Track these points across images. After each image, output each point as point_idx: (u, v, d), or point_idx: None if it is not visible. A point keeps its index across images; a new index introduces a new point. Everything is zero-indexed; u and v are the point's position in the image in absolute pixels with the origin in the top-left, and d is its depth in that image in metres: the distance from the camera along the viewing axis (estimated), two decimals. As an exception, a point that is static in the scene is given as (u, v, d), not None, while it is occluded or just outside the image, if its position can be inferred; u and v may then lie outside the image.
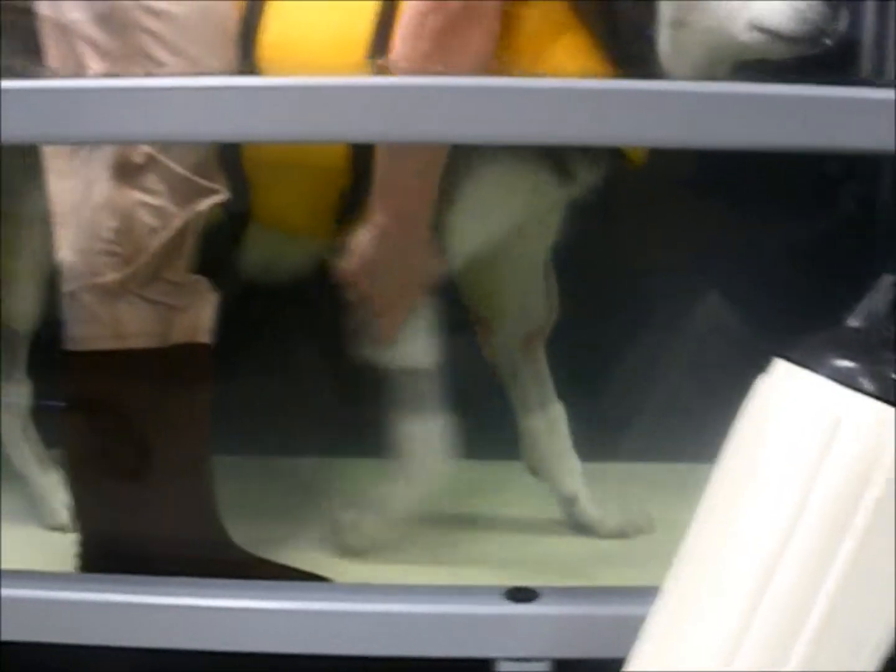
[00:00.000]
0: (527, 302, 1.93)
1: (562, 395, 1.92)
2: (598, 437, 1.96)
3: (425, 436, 1.80)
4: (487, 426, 1.88)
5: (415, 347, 1.78)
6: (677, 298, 2.07)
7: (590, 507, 1.92)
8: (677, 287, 2.06)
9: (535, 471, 1.95)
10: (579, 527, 1.91)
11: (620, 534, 1.91)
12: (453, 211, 1.73)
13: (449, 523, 1.90)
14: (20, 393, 1.98)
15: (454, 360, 1.82)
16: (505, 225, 1.78)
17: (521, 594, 1.47)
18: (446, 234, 1.74)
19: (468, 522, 1.92)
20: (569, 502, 1.93)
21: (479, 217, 1.75)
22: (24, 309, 1.94)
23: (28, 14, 1.70)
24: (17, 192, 1.85)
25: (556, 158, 1.72)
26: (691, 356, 2.12)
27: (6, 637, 1.51)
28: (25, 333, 1.96)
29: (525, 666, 1.45)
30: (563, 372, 1.94)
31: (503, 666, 1.45)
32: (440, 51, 1.61)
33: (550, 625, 1.46)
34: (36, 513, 1.95)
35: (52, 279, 1.84)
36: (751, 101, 1.35)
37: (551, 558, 1.80)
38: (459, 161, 1.69)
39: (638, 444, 2.05)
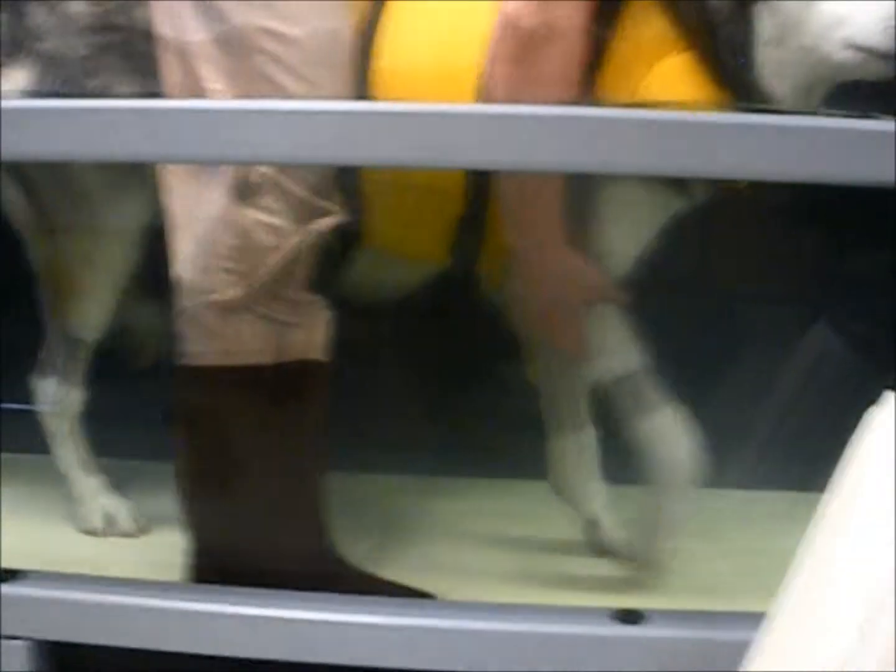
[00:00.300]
0: None
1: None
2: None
3: (665, 428, 1.78)
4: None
5: (614, 355, 1.78)
6: (781, 325, 2.07)
7: (612, 532, 1.91)
8: (781, 313, 2.05)
9: (559, 491, 1.93)
10: (600, 550, 1.91)
11: (641, 559, 1.88)
12: (594, 234, 1.75)
13: (555, 544, 1.92)
14: (73, 397, 2.01)
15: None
16: (639, 242, 1.77)
17: (628, 616, 1.48)
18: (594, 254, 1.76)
19: (573, 543, 1.92)
20: (591, 525, 1.92)
21: (619, 236, 1.76)
22: (93, 320, 1.98)
23: (138, 34, 1.75)
24: (99, 206, 1.90)
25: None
26: (795, 385, 2.11)
27: (119, 643, 1.55)
28: (89, 343, 2.00)
29: (627, 686, 1.47)
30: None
31: (606, 686, 1.47)
32: (519, 72, 1.63)
33: (655, 647, 1.47)
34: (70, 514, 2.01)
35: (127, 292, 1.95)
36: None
37: (657, 581, 1.80)
38: (593, 183, 1.71)
39: (748, 472, 2.05)
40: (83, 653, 1.57)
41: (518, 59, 1.64)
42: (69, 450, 2.01)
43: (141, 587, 1.60)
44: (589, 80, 1.66)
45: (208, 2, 1.64)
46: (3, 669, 1.57)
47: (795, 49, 1.65)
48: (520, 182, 1.69)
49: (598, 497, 1.93)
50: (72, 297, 1.96)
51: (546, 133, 1.39)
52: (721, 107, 1.65)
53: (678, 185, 1.73)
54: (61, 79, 1.81)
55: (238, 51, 1.63)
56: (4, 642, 1.55)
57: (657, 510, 1.80)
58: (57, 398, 2.00)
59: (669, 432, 1.78)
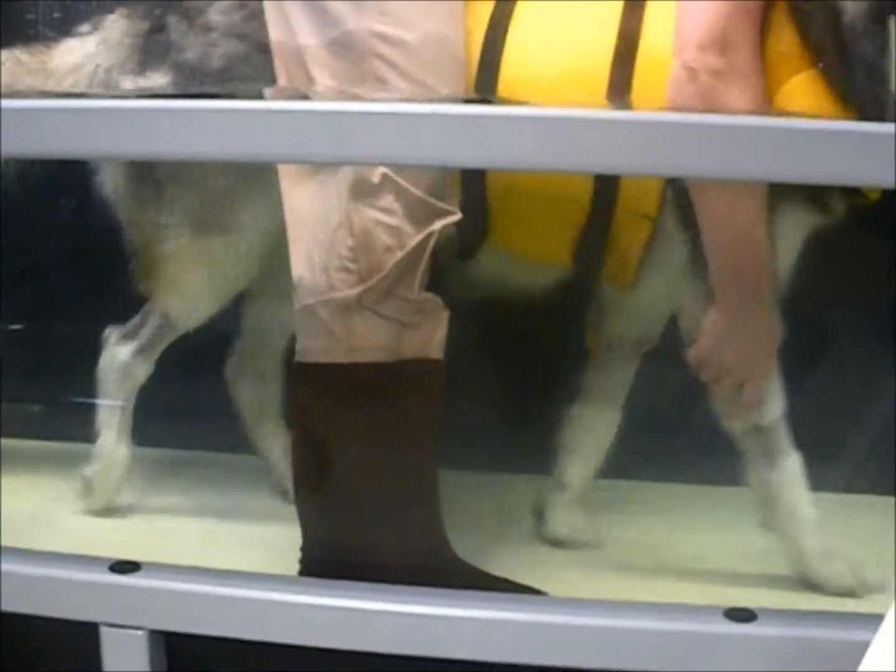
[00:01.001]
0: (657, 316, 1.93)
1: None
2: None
3: (794, 478, 1.80)
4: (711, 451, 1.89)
5: (770, 404, 1.80)
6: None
7: (556, 506, 1.95)
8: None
9: (558, 456, 1.96)
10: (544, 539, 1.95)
11: (560, 543, 1.94)
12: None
13: (666, 543, 1.93)
14: (140, 371, 2.03)
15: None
16: (788, 263, 1.77)
17: (739, 614, 1.48)
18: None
19: (686, 542, 1.93)
20: (554, 489, 1.95)
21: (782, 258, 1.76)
22: (196, 311, 2.00)
23: (266, 45, 1.78)
24: (227, 207, 1.92)
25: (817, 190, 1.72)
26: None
27: (231, 635, 1.58)
28: (181, 329, 2.02)
29: (738, 685, 1.48)
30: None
31: (716, 684, 1.48)
32: (710, 107, 1.63)
33: (767, 645, 1.46)
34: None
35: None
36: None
37: (769, 580, 1.81)
38: None
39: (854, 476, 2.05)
40: (196, 643, 1.59)
41: (708, 96, 1.63)
42: (118, 421, 2.04)
43: (254, 579, 1.62)
44: None
45: (322, 4, 1.67)
46: (118, 658, 1.60)
47: None
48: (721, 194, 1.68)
49: (584, 477, 1.96)
50: (176, 291, 1.99)
51: (669, 138, 1.39)
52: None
53: (815, 200, 1.73)
54: (198, 88, 1.85)
55: (351, 55, 1.67)
56: (120, 631, 1.58)
57: (799, 553, 1.81)
58: (126, 366, 2.03)
59: (798, 477, 1.80)
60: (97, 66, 1.94)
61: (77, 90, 1.93)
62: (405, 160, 1.54)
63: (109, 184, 1.96)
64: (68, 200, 2.27)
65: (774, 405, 1.79)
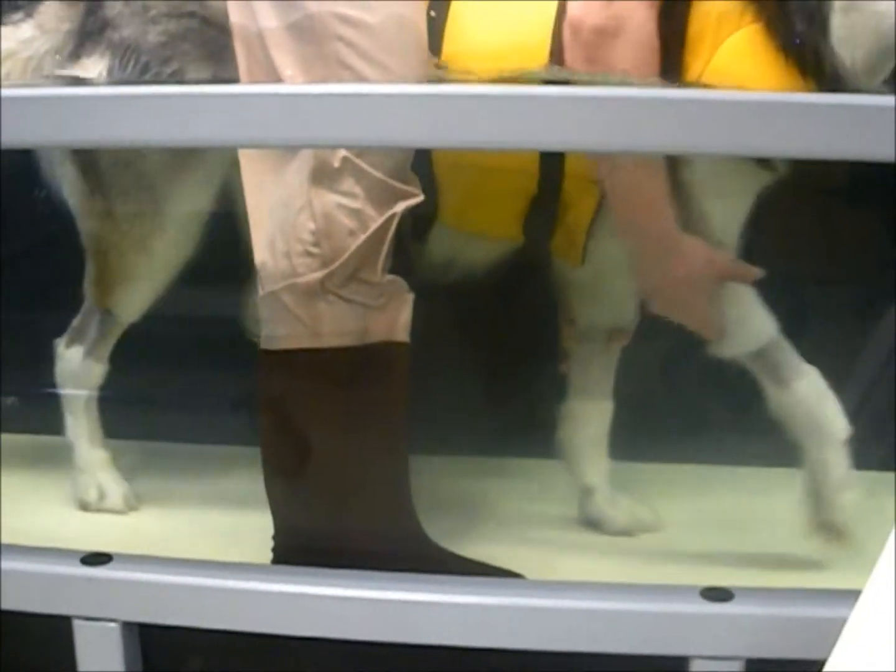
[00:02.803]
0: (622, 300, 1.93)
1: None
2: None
3: (815, 391, 1.79)
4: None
5: (747, 331, 1.79)
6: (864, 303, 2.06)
7: (604, 504, 1.94)
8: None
9: (563, 454, 1.96)
10: (588, 521, 1.94)
11: (625, 532, 1.92)
12: (692, 215, 1.75)
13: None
14: (96, 371, 2.04)
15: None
16: (736, 219, 1.78)
17: (716, 594, 1.48)
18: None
19: (662, 522, 1.93)
20: (586, 493, 1.95)
21: (717, 214, 1.76)
22: (134, 303, 2.00)
23: (211, 21, 1.78)
24: (160, 192, 1.91)
25: None
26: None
27: (204, 625, 1.56)
28: (124, 323, 2.02)
29: (719, 664, 1.46)
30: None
31: (697, 664, 1.46)
32: (597, 65, 1.63)
33: (745, 624, 1.46)
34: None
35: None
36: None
37: (746, 558, 1.79)
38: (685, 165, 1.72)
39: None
40: (170, 634, 1.58)
41: (592, 60, 1.64)
42: (80, 420, 2.05)
43: (226, 569, 1.61)
44: (668, 60, 1.66)
45: None
46: (91, 651, 1.59)
47: (869, 14, 1.62)
48: (627, 170, 1.68)
49: (600, 468, 1.95)
50: (117, 278, 1.98)
51: (615, 113, 1.38)
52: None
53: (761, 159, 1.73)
54: (137, 67, 1.83)
55: (313, 37, 1.64)
56: (93, 624, 1.57)
57: (825, 476, 1.80)
58: (79, 369, 2.03)
59: (820, 394, 1.78)
60: (33, 52, 1.91)
61: (12, 78, 1.90)
62: (366, 142, 1.51)
63: (52, 173, 1.97)
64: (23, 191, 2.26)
65: (761, 328, 1.78)
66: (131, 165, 1.90)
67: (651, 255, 1.74)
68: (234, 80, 1.71)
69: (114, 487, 2.03)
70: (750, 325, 1.79)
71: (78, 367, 2.03)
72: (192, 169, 1.89)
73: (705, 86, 1.65)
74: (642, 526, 1.93)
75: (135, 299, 2.00)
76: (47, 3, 1.93)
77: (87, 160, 1.92)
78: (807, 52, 1.65)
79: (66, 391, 2.05)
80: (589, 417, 1.96)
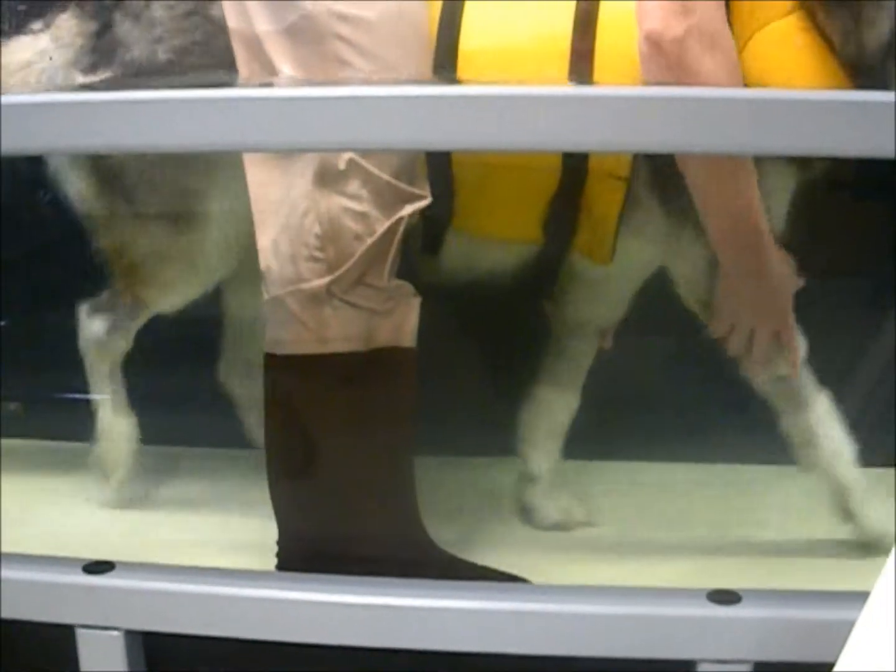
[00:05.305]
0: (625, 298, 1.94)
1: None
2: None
3: (827, 419, 1.82)
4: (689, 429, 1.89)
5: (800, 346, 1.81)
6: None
7: (541, 496, 1.95)
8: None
9: (520, 443, 1.98)
10: (521, 511, 1.96)
11: (557, 527, 1.94)
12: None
13: (648, 524, 1.92)
14: (120, 345, 2.01)
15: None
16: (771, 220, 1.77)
17: (723, 597, 1.47)
18: None
19: (667, 524, 1.93)
20: (527, 481, 1.96)
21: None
22: (173, 303, 1.97)
23: (216, 32, 1.77)
24: (201, 195, 1.89)
25: None
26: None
27: (209, 633, 1.56)
28: (153, 311, 2.00)
29: (726, 668, 1.45)
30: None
31: (704, 667, 1.46)
32: (683, 78, 1.60)
33: (752, 627, 1.45)
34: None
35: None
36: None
37: (754, 561, 1.80)
38: None
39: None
40: (173, 642, 1.58)
41: (677, 73, 1.60)
42: (104, 387, 2.02)
43: (230, 576, 1.60)
44: None
45: None
46: (95, 660, 1.58)
47: None
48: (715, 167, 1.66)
49: (548, 459, 1.96)
50: (147, 282, 1.96)
51: (621, 113, 1.36)
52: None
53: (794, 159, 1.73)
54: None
55: (311, 38, 1.64)
56: (96, 633, 1.56)
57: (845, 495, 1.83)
58: (102, 340, 2.01)
59: (831, 422, 1.82)
60: (48, 64, 1.91)
61: (28, 87, 1.90)
62: (372, 145, 1.50)
63: (69, 180, 1.94)
64: (31, 196, 2.25)
65: (803, 347, 1.81)
66: (146, 172, 1.88)
67: (743, 265, 1.73)
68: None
69: (131, 461, 2.02)
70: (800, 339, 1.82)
71: (100, 338, 2.00)
72: (227, 174, 1.84)
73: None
74: (574, 523, 1.94)
75: (174, 301, 1.98)
76: (63, 16, 1.93)
77: (106, 166, 1.90)
78: (847, 43, 1.64)
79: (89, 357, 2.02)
80: (552, 407, 1.97)
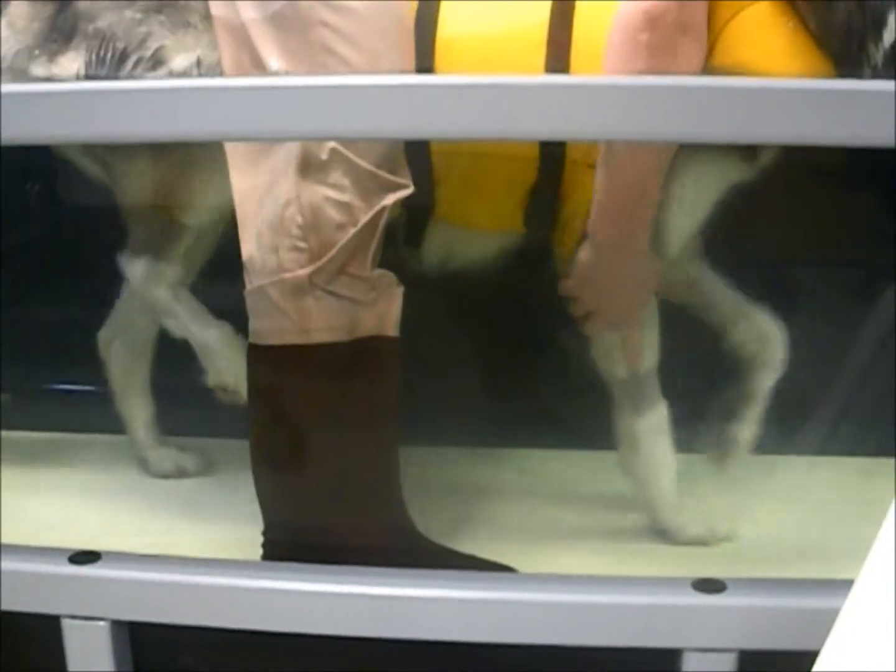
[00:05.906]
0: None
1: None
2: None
3: (654, 429, 1.82)
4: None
5: (649, 353, 1.81)
6: (849, 291, 2.05)
7: (674, 516, 1.90)
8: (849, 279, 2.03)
9: (627, 471, 1.91)
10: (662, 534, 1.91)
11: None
12: (666, 209, 1.74)
13: (631, 514, 1.91)
14: (171, 272, 1.95)
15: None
16: (706, 212, 1.77)
17: (709, 585, 1.47)
18: (662, 234, 1.75)
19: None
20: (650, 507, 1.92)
21: (689, 210, 1.75)
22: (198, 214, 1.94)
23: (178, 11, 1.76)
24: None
25: None
26: (864, 351, 2.09)
27: (195, 623, 1.56)
28: (192, 229, 1.94)
29: (712, 657, 1.45)
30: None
31: (690, 656, 1.45)
32: (655, 67, 1.60)
33: (738, 616, 1.45)
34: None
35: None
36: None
37: (738, 549, 1.80)
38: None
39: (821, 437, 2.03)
40: (160, 632, 1.57)
41: (652, 55, 1.60)
42: (181, 312, 1.96)
43: (216, 566, 1.60)
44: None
45: None
46: (81, 650, 1.58)
47: None
48: (624, 165, 1.67)
49: (667, 480, 1.89)
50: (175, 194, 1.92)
51: (611, 102, 1.37)
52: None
53: (744, 152, 1.72)
54: (115, 56, 1.80)
55: (296, 25, 1.63)
56: (82, 623, 1.56)
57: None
58: (153, 271, 1.95)
59: (662, 431, 1.82)
60: (5, 51, 1.87)
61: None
62: (352, 133, 1.50)
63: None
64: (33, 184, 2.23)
65: (652, 354, 1.81)
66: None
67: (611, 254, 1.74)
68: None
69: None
70: (653, 346, 1.81)
71: (151, 269, 1.94)
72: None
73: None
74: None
75: (204, 216, 1.92)
76: (15, 2, 1.89)
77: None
78: (825, 27, 1.62)
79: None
80: (643, 430, 1.88)
